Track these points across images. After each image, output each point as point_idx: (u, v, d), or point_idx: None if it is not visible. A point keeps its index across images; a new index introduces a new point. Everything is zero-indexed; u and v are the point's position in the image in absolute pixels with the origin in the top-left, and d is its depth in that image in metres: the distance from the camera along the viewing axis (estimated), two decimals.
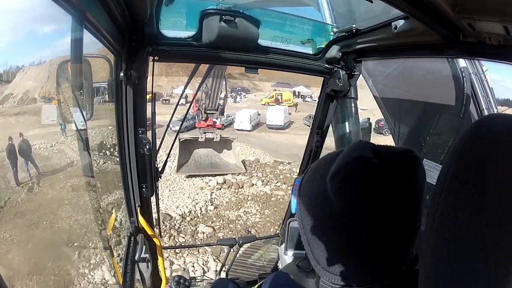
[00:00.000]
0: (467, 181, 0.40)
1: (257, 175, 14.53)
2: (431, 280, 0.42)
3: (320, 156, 2.32)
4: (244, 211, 11.70)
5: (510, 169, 0.38)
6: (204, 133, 14.29)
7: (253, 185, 13.67)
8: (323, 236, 0.62)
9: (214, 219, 11.20)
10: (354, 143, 0.62)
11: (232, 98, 31.99)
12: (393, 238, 0.58)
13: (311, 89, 32.54)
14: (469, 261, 0.38)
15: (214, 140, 14.58)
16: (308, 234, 0.65)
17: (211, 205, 12.07)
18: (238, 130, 22.96)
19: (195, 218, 11.16)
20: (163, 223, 10.48)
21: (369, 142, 0.61)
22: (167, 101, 27.29)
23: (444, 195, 0.41)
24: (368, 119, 2.32)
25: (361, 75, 2.03)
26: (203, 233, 10.25)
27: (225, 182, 13.79)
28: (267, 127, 23.99)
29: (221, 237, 9.47)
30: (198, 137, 14.24)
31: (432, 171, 2.07)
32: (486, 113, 2.14)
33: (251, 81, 35.44)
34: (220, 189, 13.44)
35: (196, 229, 10.46)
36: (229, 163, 15.17)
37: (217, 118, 14.23)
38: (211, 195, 12.82)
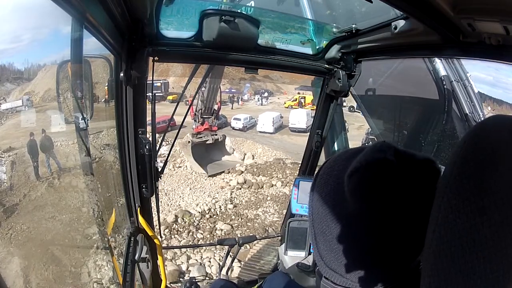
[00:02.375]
0: (469, 183, 0.40)
1: (277, 176, 14.85)
2: (434, 280, 0.42)
3: (320, 156, 2.32)
4: (263, 210, 12.00)
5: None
6: (212, 135, 15.69)
7: (272, 185, 14.04)
8: (332, 232, 0.61)
9: (233, 217, 11.49)
10: (377, 142, 0.60)
11: (258, 100, 32.74)
12: (403, 245, 0.57)
13: None
14: (470, 262, 0.39)
15: (219, 140, 16.12)
16: (316, 227, 0.64)
17: (231, 203, 12.42)
18: (260, 132, 23.34)
19: (214, 216, 11.47)
20: (182, 219, 10.83)
21: (392, 145, 0.58)
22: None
23: (447, 196, 0.41)
24: None
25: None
26: (221, 230, 10.54)
27: (245, 182, 14.25)
28: (290, 130, 24.07)
29: (238, 235, 9.58)
30: (206, 140, 15.47)
31: None
32: (470, 116, 2.16)
33: (274, 83, 35.41)
34: (240, 188, 13.84)
35: (214, 226, 10.77)
36: (231, 157, 16.84)
37: (212, 122, 15.64)
38: (231, 194, 13.20)
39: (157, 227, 2.14)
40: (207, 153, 15.83)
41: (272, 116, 24.50)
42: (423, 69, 2.28)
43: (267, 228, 10.60)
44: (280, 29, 1.85)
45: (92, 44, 1.25)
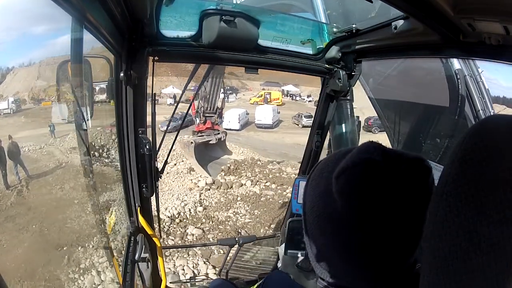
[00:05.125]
0: (468, 182, 0.40)
1: (246, 175, 14.18)
2: (432, 279, 0.42)
3: (320, 156, 2.32)
4: (234, 211, 11.43)
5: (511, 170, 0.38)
6: (215, 135, 15.14)
7: (242, 185, 13.38)
8: (323, 235, 0.62)
9: (204, 220, 10.87)
10: (364, 143, 0.59)
11: (225, 97, 32.32)
12: (394, 246, 0.57)
13: (299, 88, 32.30)
14: (469, 261, 0.38)
15: (222, 139, 15.60)
16: (309, 230, 0.65)
17: (200, 206, 11.72)
18: (226, 129, 22.75)
19: (184, 220, 10.81)
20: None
21: (381, 145, 0.58)
22: (156, 101, 27.41)
23: (445, 195, 0.41)
24: (358, 117, 2.34)
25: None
26: (193, 235, 9.96)
27: (214, 183, 13.56)
28: (256, 127, 23.93)
29: (210, 239, 9.30)
30: (209, 140, 14.97)
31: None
32: (481, 113, 2.15)
33: (239, 80, 34.85)
34: (209, 189, 13.16)
35: (185, 231, 10.17)
36: (226, 154, 16.58)
37: (215, 120, 14.96)
38: (199, 196, 12.49)
39: (157, 227, 2.14)
40: (207, 151, 15.36)
41: (238, 113, 24.00)
42: (434, 64, 2.26)
43: (239, 231, 10.08)
44: (280, 29, 1.85)
45: (92, 44, 1.25)
